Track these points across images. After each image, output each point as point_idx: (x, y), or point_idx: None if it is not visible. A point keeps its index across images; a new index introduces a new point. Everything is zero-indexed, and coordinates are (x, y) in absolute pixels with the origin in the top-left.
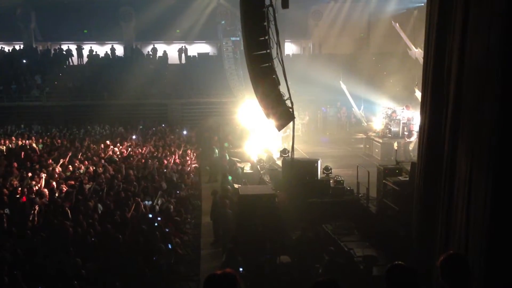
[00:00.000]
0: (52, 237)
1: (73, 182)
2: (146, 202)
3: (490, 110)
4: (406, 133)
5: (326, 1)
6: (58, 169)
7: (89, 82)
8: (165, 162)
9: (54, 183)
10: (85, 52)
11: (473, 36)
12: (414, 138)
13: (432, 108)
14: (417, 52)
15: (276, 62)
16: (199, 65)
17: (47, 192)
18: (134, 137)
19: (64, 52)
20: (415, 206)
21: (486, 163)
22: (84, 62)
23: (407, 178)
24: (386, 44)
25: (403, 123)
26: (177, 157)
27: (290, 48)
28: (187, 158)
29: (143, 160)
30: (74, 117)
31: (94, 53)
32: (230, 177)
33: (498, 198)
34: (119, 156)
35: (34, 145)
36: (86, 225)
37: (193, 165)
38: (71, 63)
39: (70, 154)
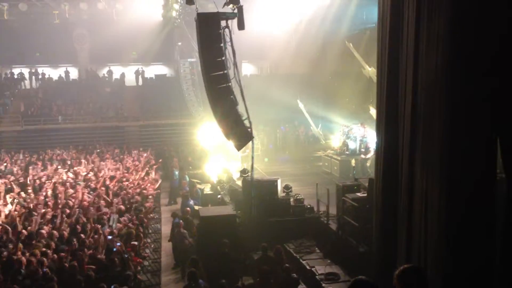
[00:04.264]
0: (3, 269)
1: (23, 210)
2: (106, 227)
3: (441, 126)
4: (363, 150)
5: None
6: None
7: (43, 106)
8: (124, 184)
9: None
10: (38, 76)
11: (424, 54)
12: (371, 154)
13: (388, 125)
14: (371, 71)
15: (234, 83)
16: (157, 87)
17: None
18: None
19: (16, 76)
20: (374, 221)
21: (439, 178)
22: (37, 86)
23: (366, 194)
24: (341, 63)
25: (360, 140)
26: (136, 179)
27: (247, 68)
28: (146, 181)
29: (100, 184)
30: (27, 142)
31: (47, 76)
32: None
33: (450, 213)
34: (74, 180)
35: None
36: (39, 254)
37: (153, 188)
38: (23, 87)
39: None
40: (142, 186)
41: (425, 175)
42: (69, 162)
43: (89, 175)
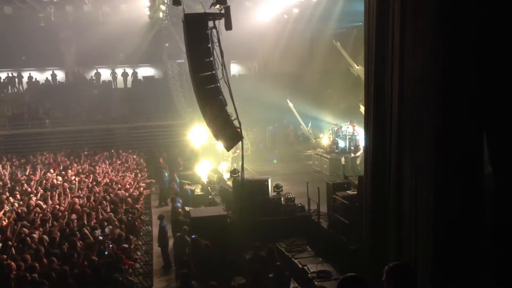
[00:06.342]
0: None
1: (13, 215)
2: (96, 231)
3: (428, 123)
4: (352, 148)
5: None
6: None
7: (30, 109)
8: (114, 187)
9: None
10: (24, 79)
11: (410, 53)
12: (361, 152)
13: (376, 123)
14: (359, 69)
15: (222, 83)
16: (145, 89)
17: None
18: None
19: (2, 80)
20: (364, 219)
21: (427, 174)
22: (24, 89)
23: (356, 192)
24: (329, 62)
25: (349, 139)
26: (126, 182)
27: (236, 69)
28: (136, 182)
29: (89, 187)
30: (15, 146)
31: (34, 79)
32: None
33: (439, 209)
34: (64, 184)
35: None
36: (30, 259)
37: (143, 190)
38: (9, 91)
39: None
40: (132, 189)
41: (414, 172)
42: (61, 167)
43: (78, 178)
